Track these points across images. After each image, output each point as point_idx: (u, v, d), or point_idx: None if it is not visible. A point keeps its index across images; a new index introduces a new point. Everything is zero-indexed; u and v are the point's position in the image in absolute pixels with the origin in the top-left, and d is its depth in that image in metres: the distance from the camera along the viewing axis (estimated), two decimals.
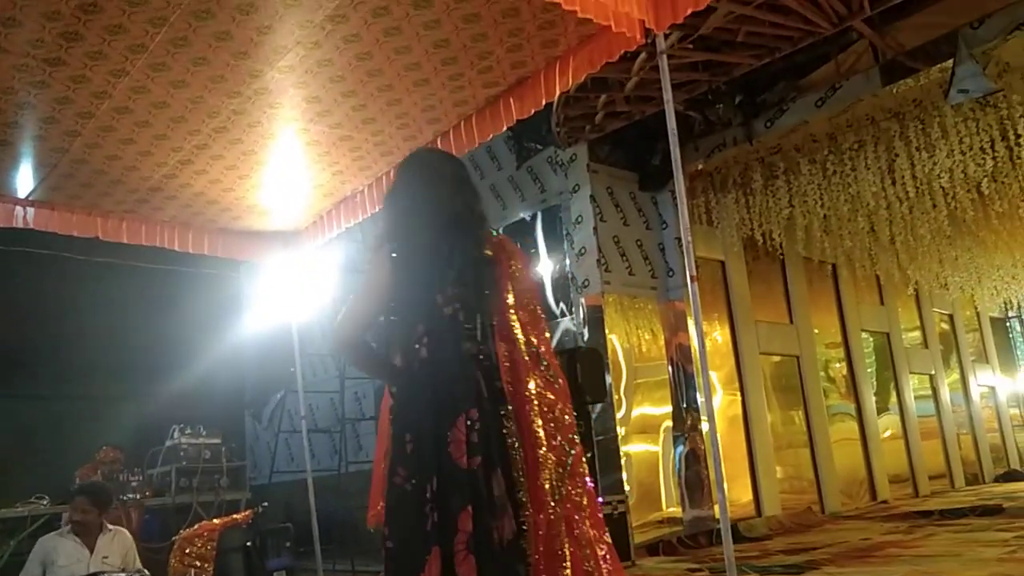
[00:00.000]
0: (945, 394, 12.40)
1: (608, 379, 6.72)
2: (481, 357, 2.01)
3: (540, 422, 1.95)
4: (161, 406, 11.42)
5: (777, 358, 9.24)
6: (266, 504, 4.97)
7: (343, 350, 2.16)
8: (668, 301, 7.56)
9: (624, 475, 6.69)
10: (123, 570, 4.01)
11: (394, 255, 2.12)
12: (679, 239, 4.93)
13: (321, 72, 4.71)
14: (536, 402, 1.96)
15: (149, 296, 12.58)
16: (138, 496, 5.68)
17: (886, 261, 9.60)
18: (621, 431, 6.94)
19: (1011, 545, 5.32)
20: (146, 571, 4.03)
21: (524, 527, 1.90)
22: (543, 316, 2.14)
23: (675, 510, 7.28)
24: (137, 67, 4.37)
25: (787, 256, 9.09)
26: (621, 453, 6.77)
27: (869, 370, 10.90)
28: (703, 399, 4.98)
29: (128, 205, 6.16)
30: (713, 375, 8.16)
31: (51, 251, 8.26)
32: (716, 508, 5.16)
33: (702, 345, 4.83)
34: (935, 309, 12.86)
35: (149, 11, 3.91)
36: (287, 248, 7.24)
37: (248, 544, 4.10)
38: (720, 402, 8.08)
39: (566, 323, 7.40)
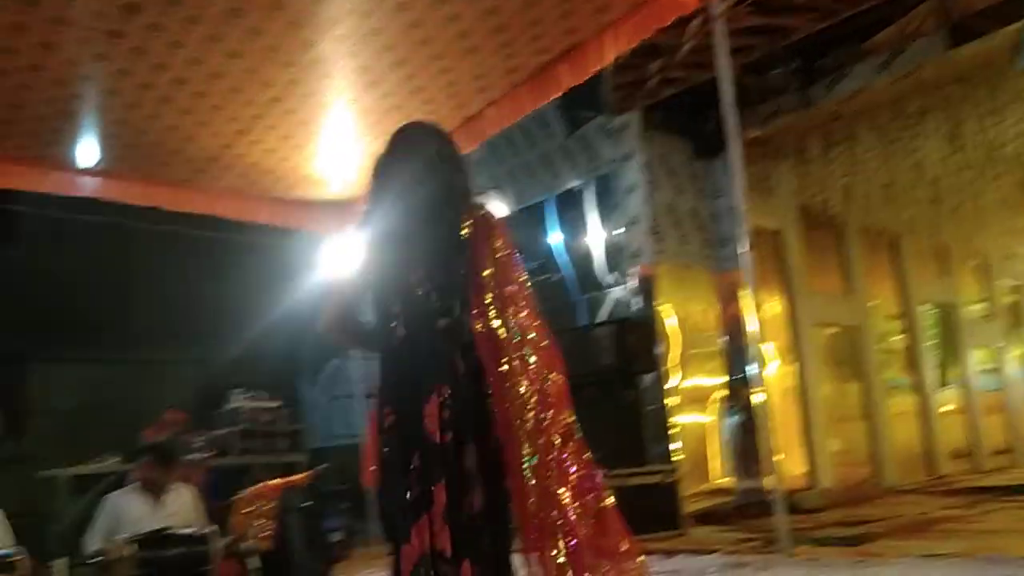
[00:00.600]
0: (1010, 368, 12.01)
1: (659, 350, 6.68)
2: (457, 334, 2.06)
3: (517, 394, 1.97)
4: (221, 370, 11.77)
5: (834, 329, 9.05)
6: (327, 465, 5.11)
7: (327, 330, 2.25)
8: (723, 271, 7.45)
9: (674, 445, 6.66)
10: (189, 526, 4.17)
11: (369, 237, 2.21)
12: (734, 208, 4.84)
13: (372, 41, 4.73)
14: (511, 379, 1.98)
15: (208, 264, 12.90)
16: (202, 456, 5.89)
17: (950, 231, 9.29)
18: (671, 402, 6.90)
19: None
20: (214, 526, 4.18)
21: (501, 499, 1.98)
22: (527, 291, 2.12)
23: (726, 481, 7.24)
24: (194, 38, 4.45)
25: (846, 226, 8.86)
26: (671, 423, 6.74)
27: (930, 343, 10.61)
28: (756, 370, 4.91)
29: (186, 175, 6.31)
30: (768, 346, 8.04)
31: (114, 219, 8.49)
32: (769, 480, 5.13)
33: (754, 317, 4.78)
34: (1002, 281, 12.41)
35: None
36: (341, 217, 7.33)
37: (306, 505, 4.22)
38: (775, 373, 7.97)
39: (617, 293, 7.35)
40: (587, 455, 2.03)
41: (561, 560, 1.90)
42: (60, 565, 3.71)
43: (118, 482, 5.40)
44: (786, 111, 7.12)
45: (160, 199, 6.34)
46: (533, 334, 2.05)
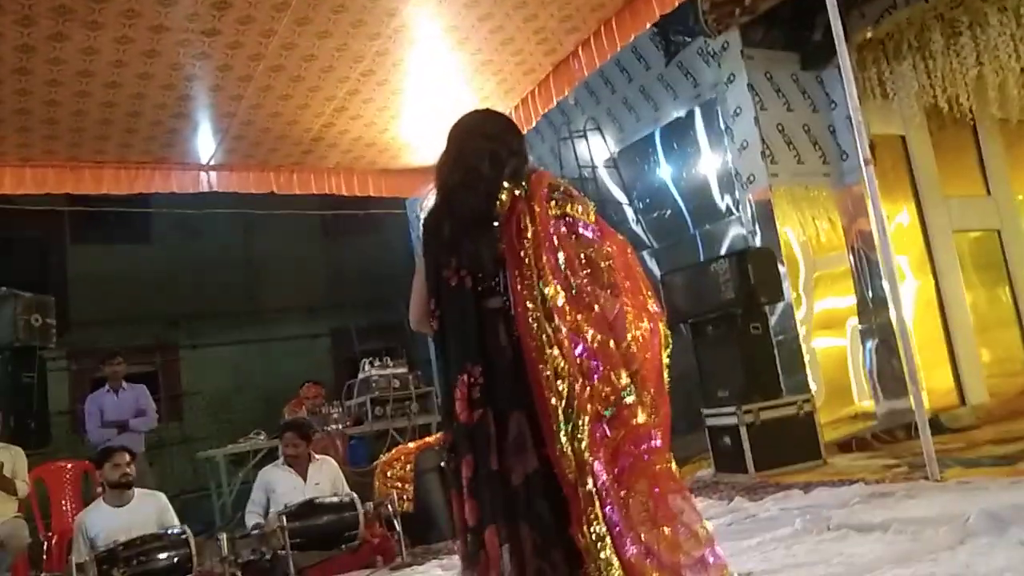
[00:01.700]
0: None
1: (783, 277, 6.43)
2: (499, 312, 2.09)
3: (552, 367, 1.96)
4: (352, 339, 12.29)
5: (975, 234, 8.43)
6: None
7: (415, 323, 2.33)
8: (844, 186, 7.04)
9: (809, 373, 6.44)
10: (335, 494, 4.40)
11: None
12: (851, 119, 4.53)
13: (455, 0, 4.69)
14: (539, 351, 1.97)
15: (328, 241, 13.43)
16: (340, 427, 6.17)
17: None
18: (802, 329, 6.65)
19: None
20: (354, 494, 4.39)
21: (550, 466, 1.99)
22: (578, 257, 2.06)
23: (868, 404, 6.95)
24: (284, 25, 4.55)
25: (979, 121, 8.13)
26: (804, 351, 6.51)
27: None
28: (889, 287, 4.64)
29: (295, 157, 6.53)
30: (902, 260, 7.59)
31: (237, 208, 8.92)
32: (914, 399, 4.88)
33: (883, 230, 4.51)
34: None
35: None
36: None
37: (442, 464, 4.35)
38: (911, 288, 7.53)
39: (735, 223, 7.10)
40: (642, 420, 1.98)
41: (598, 533, 1.91)
42: (223, 539, 3.99)
43: (269, 457, 5.75)
44: (901, 5, 6.57)
45: (274, 184, 6.60)
46: (573, 305, 2.00)
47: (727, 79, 6.85)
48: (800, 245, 6.90)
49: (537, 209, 2.07)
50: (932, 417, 6.58)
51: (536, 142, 9.47)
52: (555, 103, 6.10)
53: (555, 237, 2.03)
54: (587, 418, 1.95)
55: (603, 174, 8.64)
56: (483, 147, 2.22)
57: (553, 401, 1.95)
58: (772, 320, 6.32)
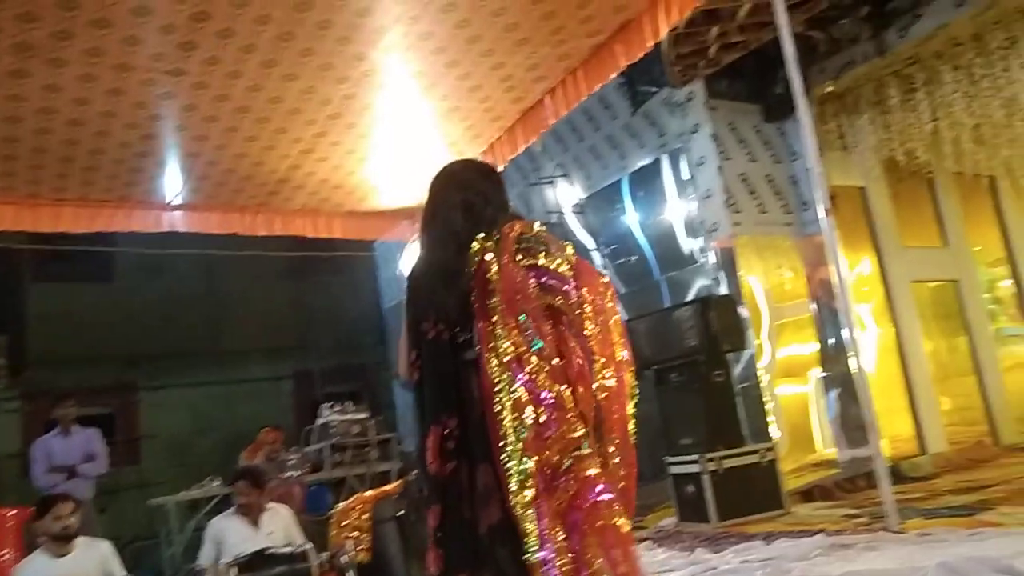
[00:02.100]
0: None
1: (746, 325, 6.48)
2: (468, 365, 2.12)
3: (508, 419, 2.00)
4: (316, 382, 12.12)
5: (933, 284, 8.61)
6: (416, 472, 5.14)
7: (404, 377, 2.34)
8: (806, 236, 7.17)
9: (772, 421, 6.47)
10: (288, 544, 4.28)
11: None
12: (809, 171, 4.63)
13: (423, 46, 4.73)
14: (504, 402, 2.01)
15: (290, 281, 13.32)
16: (298, 473, 6.05)
17: None
18: (766, 377, 6.70)
19: None
20: (309, 543, 4.27)
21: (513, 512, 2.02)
22: (539, 309, 2.08)
23: (831, 452, 6.99)
24: (250, 66, 4.54)
25: (936, 174, 8.38)
26: (767, 399, 6.55)
27: None
28: (850, 335, 4.70)
29: (261, 199, 6.47)
30: (863, 309, 7.71)
31: (200, 249, 8.83)
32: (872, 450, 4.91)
33: (842, 280, 4.57)
34: None
35: (254, 10, 4.04)
36: (414, 223, 7.40)
37: (400, 513, 4.26)
38: (872, 336, 7.65)
39: (700, 270, 7.18)
40: (594, 472, 1.99)
41: None
42: None
43: (225, 503, 5.60)
44: (859, 61, 6.77)
45: (237, 225, 6.52)
46: (533, 358, 2.02)
47: (692, 129, 6.99)
48: (764, 293, 6.99)
49: (504, 261, 2.09)
50: (893, 466, 6.63)
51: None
52: (522, 150, 6.15)
53: (517, 291, 2.03)
54: (534, 470, 1.95)
55: (571, 220, 8.71)
56: (456, 199, 2.27)
57: (508, 452, 1.96)
58: (735, 368, 6.36)
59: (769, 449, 5.68)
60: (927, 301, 8.48)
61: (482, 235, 2.16)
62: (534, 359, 2.00)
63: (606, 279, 2.24)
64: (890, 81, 7.04)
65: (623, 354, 2.15)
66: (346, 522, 4.60)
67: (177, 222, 6.36)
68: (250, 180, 6.13)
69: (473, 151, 6.37)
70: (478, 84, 5.37)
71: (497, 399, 2.00)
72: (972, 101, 6.76)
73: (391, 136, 5.87)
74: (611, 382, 2.09)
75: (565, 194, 8.72)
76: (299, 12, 4.12)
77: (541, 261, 2.10)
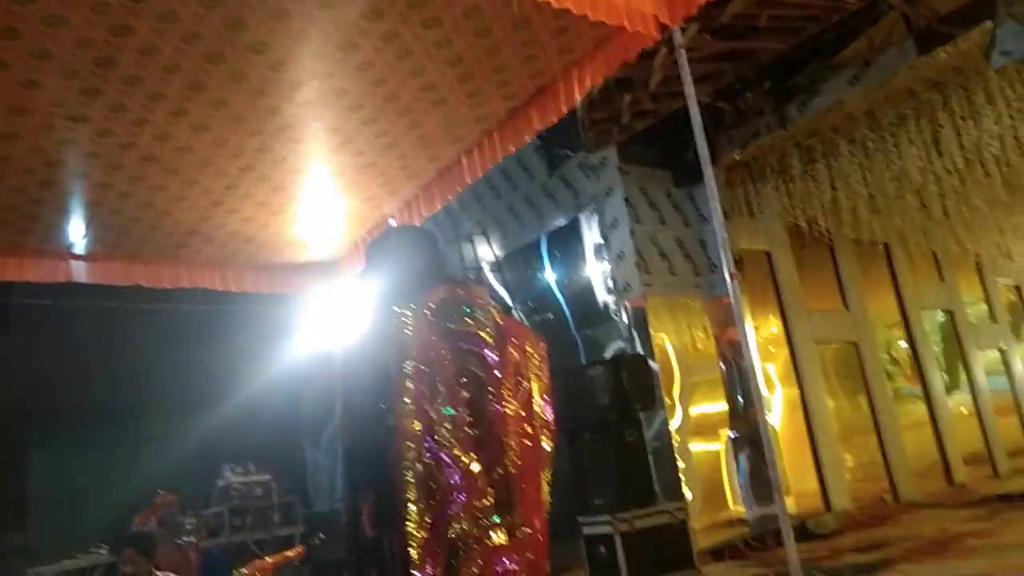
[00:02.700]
0: (1019, 367, 11.87)
1: (657, 384, 6.57)
2: (390, 433, 2.15)
3: (411, 489, 2.07)
4: (219, 442, 11.62)
5: (835, 345, 8.95)
6: (322, 536, 4.96)
7: (345, 445, 2.47)
8: (714, 297, 7.38)
9: (683, 480, 6.52)
10: None
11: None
12: (716, 235, 4.78)
13: (338, 103, 4.71)
14: (415, 470, 2.07)
15: (198, 336, 12.82)
16: (194, 539, 5.74)
17: (942, 236, 9.23)
18: (677, 435, 6.78)
19: None
20: None
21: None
22: (449, 380, 2.14)
23: (742, 509, 7.08)
24: (158, 115, 4.43)
25: (836, 240, 8.81)
26: (678, 457, 6.61)
27: (935, 349, 10.49)
28: (755, 395, 4.79)
29: (167, 250, 6.25)
30: (770, 368, 7.94)
31: (95, 301, 8.46)
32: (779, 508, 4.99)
33: (746, 341, 4.68)
34: (1000, 280, 12.33)
35: (163, 59, 3.95)
36: (328, 277, 7.28)
37: None
38: (779, 395, 7.86)
39: (613, 329, 7.27)
40: (501, 541, 2.06)
41: None
42: None
43: (110, 573, 5.27)
44: (764, 132, 7.10)
45: (141, 277, 6.27)
46: (444, 427, 2.07)
47: (605, 192, 7.15)
48: (675, 352, 7.12)
49: (420, 327, 2.14)
50: (799, 524, 6.76)
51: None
52: (439, 207, 6.15)
53: (429, 359, 2.05)
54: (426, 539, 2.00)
55: (489, 276, 8.74)
56: (388, 270, 2.36)
57: (411, 521, 2.00)
58: (647, 426, 6.40)
59: (680, 508, 5.71)
60: (830, 361, 8.79)
61: (402, 303, 2.20)
62: (445, 427, 2.01)
63: (538, 340, 2.25)
64: (792, 152, 7.40)
65: (548, 417, 2.17)
66: None
67: (77, 273, 6.07)
68: (156, 231, 5.92)
69: (391, 207, 6.35)
70: (395, 142, 5.37)
71: (406, 467, 2.02)
72: (867, 173, 7.17)
73: (306, 190, 5.79)
74: (522, 452, 2.08)
75: (484, 251, 8.76)
76: (211, 64, 4.06)
77: (459, 326, 2.12)
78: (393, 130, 5.19)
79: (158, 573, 4.26)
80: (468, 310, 2.19)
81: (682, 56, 4.68)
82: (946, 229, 9.01)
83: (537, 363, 2.23)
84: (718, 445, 7.29)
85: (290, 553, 4.74)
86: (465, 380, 2.10)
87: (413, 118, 5.09)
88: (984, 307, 11.96)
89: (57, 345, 11.37)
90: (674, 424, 6.80)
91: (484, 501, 2.03)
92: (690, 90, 4.61)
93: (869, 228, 8.21)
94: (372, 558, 2.15)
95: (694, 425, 7.06)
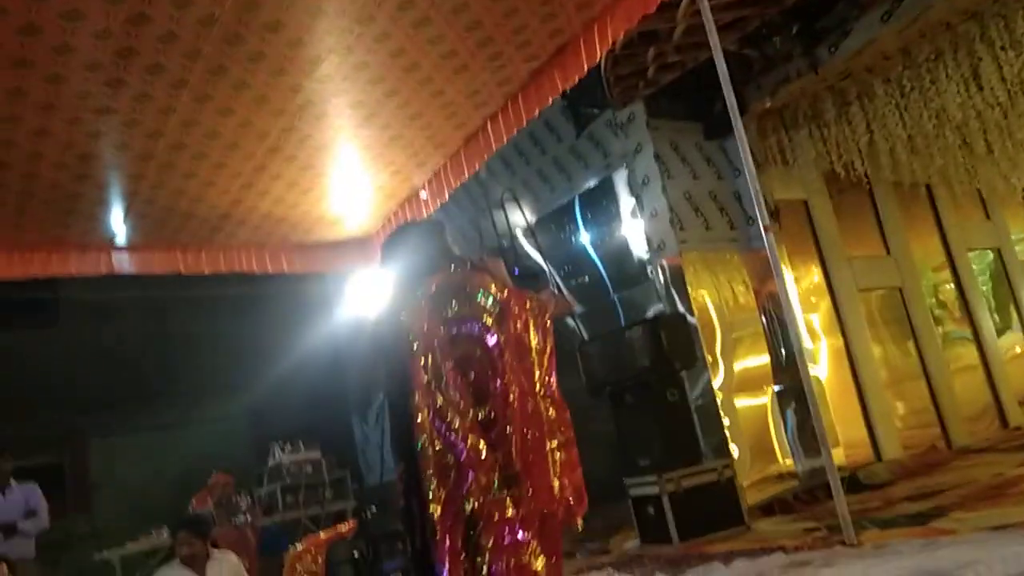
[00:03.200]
0: None
1: (700, 341, 6.50)
2: (409, 417, 2.36)
3: (430, 469, 2.27)
4: (269, 420, 11.85)
5: (879, 291, 8.76)
6: (374, 509, 5.02)
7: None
8: (752, 250, 7.24)
9: (729, 436, 6.47)
10: None
11: None
12: (750, 186, 4.67)
13: (359, 76, 4.69)
14: (428, 453, 2.26)
15: (244, 318, 13.03)
16: (249, 518, 5.87)
17: (986, 173, 8.91)
18: (721, 392, 6.71)
19: None
20: None
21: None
22: (453, 369, 2.31)
23: (791, 464, 7.01)
24: (183, 102, 4.46)
25: (875, 184, 8.57)
26: (723, 414, 6.55)
27: (984, 288, 10.22)
28: (799, 346, 4.72)
29: (203, 235, 6.35)
30: (813, 318, 7.81)
31: (140, 290, 8.63)
32: (833, 456, 4.94)
33: (785, 293, 4.60)
34: None
35: (182, 46, 3.97)
36: (363, 253, 7.32)
37: (356, 554, 4.15)
38: (823, 346, 7.73)
39: (651, 288, 7.19)
40: (510, 513, 2.21)
41: None
42: None
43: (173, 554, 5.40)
44: (794, 77, 6.89)
45: (181, 264, 6.39)
46: (450, 411, 2.25)
47: (635, 149, 7.04)
48: (715, 308, 7.03)
49: (421, 319, 2.31)
50: (850, 475, 6.69)
51: (456, 214, 9.51)
52: (467, 176, 6.13)
53: (430, 348, 2.18)
54: (439, 515, 2.22)
55: (523, 243, 8.70)
56: (395, 264, 2.54)
57: (431, 497, 2.23)
58: (690, 385, 6.36)
59: (727, 466, 5.68)
60: (875, 308, 8.62)
61: (406, 295, 2.42)
62: (450, 410, 2.19)
63: (540, 302, 2.30)
64: (825, 96, 7.19)
65: (550, 383, 2.26)
66: (299, 566, 4.47)
67: (118, 264, 6.21)
68: (191, 218, 6.02)
69: (420, 179, 6.34)
70: (419, 112, 5.35)
71: (423, 447, 2.22)
72: (904, 113, 6.93)
73: (334, 166, 5.82)
74: (534, 424, 2.20)
75: (516, 218, 8.71)
76: (230, 46, 4.06)
77: (457, 311, 2.22)
78: (416, 100, 5.17)
79: (216, 551, 4.37)
80: (465, 294, 2.33)
81: (704, 4, 4.57)
82: (990, 165, 8.70)
83: (542, 332, 2.33)
84: (764, 399, 7.20)
85: (342, 528, 4.83)
86: (467, 363, 2.26)
87: (435, 87, 5.06)
88: None
89: (106, 335, 11.66)
90: (718, 381, 6.73)
91: (493, 476, 2.18)
92: (714, 39, 4.51)
93: (909, 170, 7.96)
94: (407, 525, 2.32)
95: (738, 381, 6.98)
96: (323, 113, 5.04)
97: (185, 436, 11.96)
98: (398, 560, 4.70)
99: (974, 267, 10.18)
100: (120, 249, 6.16)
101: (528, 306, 2.32)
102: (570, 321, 8.02)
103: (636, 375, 5.77)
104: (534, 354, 2.31)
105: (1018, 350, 10.25)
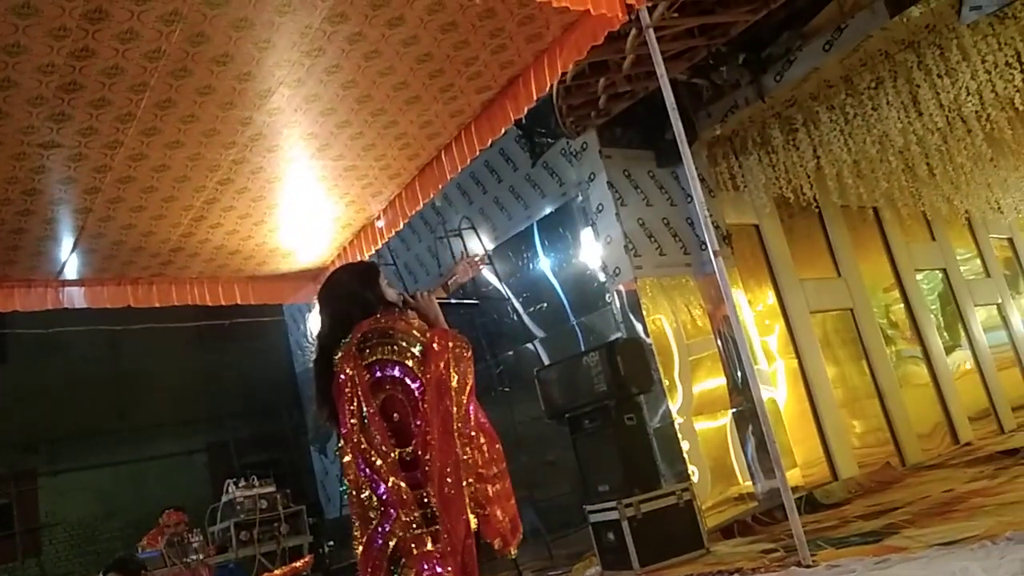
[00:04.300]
0: (1016, 320, 11.87)
1: (657, 365, 6.56)
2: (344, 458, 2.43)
3: (355, 509, 2.35)
4: (230, 454, 11.65)
5: (832, 313, 8.94)
6: (331, 544, 4.96)
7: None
8: (707, 275, 7.35)
9: (687, 460, 6.51)
10: None
11: None
12: (698, 212, 4.76)
13: (311, 108, 4.69)
14: (352, 494, 2.35)
15: (200, 351, 12.84)
16: (201, 556, 5.73)
17: (930, 196, 9.19)
18: (680, 414, 6.77)
19: None
20: None
21: None
22: (395, 389, 2.41)
23: (750, 485, 7.08)
24: (130, 136, 4.41)
25: (824, 208, 8.78)
26: (681, 437, 6.60)
27: (932, 307, 10.49)
28: (752, 369, 4.78)
29: (154, 269, 6.24)
30: (769, 340, 7.93)
31: (90, 324, 8.45)
32: (789, 477, 5.01)
33: (735, 316, 4.67)
34: (992, 235, 12.32)
35: (128, 79, 3.93)
36: (319, 284, 7.24)
37: None
38: (779, 367, 7.85)
39: (609, 314, 7.25)
40: (430, 548, 2.27)
41: None
42: None
43: None
44: (742, 105, 7.06)
45: (131, 297, 6.26)
46: (372, 454, 2.32)
47: (588, 177, 7.13)
48: (672, 332, 7.10)
49: (346, 364, 2.38)
50: (807, 494, 6.77)
51: (413, 242, 9.53)
52: (422, 205, 6.13)
53: (351, 393, 2.33)
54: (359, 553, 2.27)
55: (481, 270, 8.72)
56: (328, 310, 2.62)
57: (356, 533, 2.30)
58: (648, 409, 6.40)
59: (685, 489, 5.70)
60: (828, 329, 8.79)
61: (341, 342, 2.45)
62: (373, 454, 2.27)
63: (461, 340, 2.41)
64: (772, 123, 7.37)
65: (475, 422, 2.34)
66: None
67: (67, 299, 6.07)
68: (141, 251, 5.91)
69: (374, 208, 6.33)
70: (372, 143, 5.35)
71: (349, 490, 2.31)
72: (848, 138, 7.14)
73: (287, 198, 5.78)
74: (454, 462, 2.22)
75: (474, 245, 8.74)
76: (177, 80, 4.04)
77: (379, 357, 2.40)
78: (369, 131, 5.17)
79: None
80: (389, 339, 2.41)
81: (651, 35, 4.67)
82: (933, 188, 8.98)
83: (462, 370, 2.46)
84: (723, 421, 7.28)
85: (297, 564, 4.74)
86: (389, 405, 2.35)
87: (388, 118, 5.07)
88: (978, 263, 11.95)
89: (56, 371, 11.39)
90: (676, 405, 6.79)
91: (414, 514, 2.26)
92: (661, 69, 4.60)
93: (856, 193, 8.18)
94: None
95: (697, 404, 7.05)
96: (275, 145, 5.02)
97: (138, 473, 11.70)
98: None
99: (923, 287, 10.45)
100: (70, 283, 6.03)
101: (451, 345, 2.38)
102: (531, 346, 8.06)
103: (594, 400, 5.79)
104: (453, 393, 2.39)
105: (967, 367, 10.51)
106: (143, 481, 11.59)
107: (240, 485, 6.34)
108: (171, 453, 12.26)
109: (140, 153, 4.63)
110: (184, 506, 6.56)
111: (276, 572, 4.72)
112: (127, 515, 10.93)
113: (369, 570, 2.23)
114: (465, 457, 2.35)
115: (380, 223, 6.43)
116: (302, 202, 5.94)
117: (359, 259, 6.60)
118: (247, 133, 4.73)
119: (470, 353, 2.47)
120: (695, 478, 6.44)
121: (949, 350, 10.33)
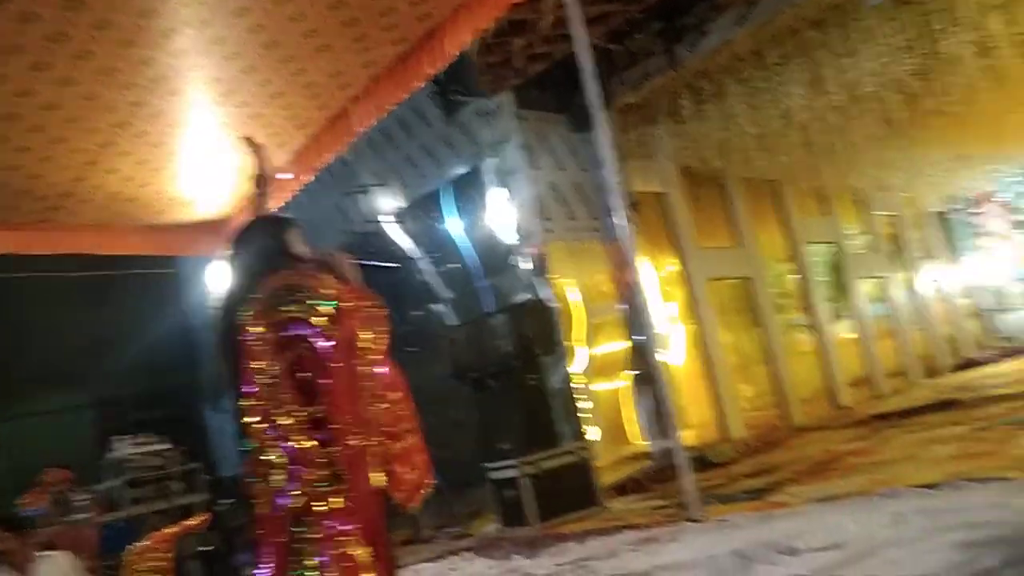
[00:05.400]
0: (897, 293, 12.63)
1: (558, 329, 6.66)
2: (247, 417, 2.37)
3: (257, 471, 2.30)
4: (121, 411, 11.20)
5: (729, 281, 9.28)
6: (229, 501, 4.85)
7: None
8: (615, 240, 7.47)
9: (587, 420, 6.68)
10: None
11: None
12: (606, 179, 4.83)
13: (215, 51, 4.48)
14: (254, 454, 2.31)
15: (85, 303, 12.20)
16: (88, 515, 5.52)
17: (826, 172, 9.61)
18: (583, 376, 6.91)
19: (965, 440, 5.45)
20: None
21: None
22: (303, 348, 2.35)
23: (643, 444, 7.33)
24: (17, 69, 4.11)
25: (727, 179, 9.06)
26: (583, 397, 6.75)
27: (821, 279, 11.02)
28: (652, 333, 4.94)
29: (40, 215, 5.89)
30: (672, 306, 8.17)
31: None
32: (682, 437, 5.21)
33: (638, 281, 4.80)
34: (879, 212, 13.01)
35: (15, 8, 3.65)
36: (219, 236, 7.00)
37: (206, 549, 3.99)
38: (679, 332, 8.11)
39: (518, 276, 7.29)
40: (339, 504, 2.25)
41: None
42: None
43: None
44: (655, 73, 7.15)
45: (12, 244, 5.90)
46: (282, 414, 2.28)
47: (503, 139, 7.10)
48: (579, 296, 7.22)
49: (251, 323, 2.31)
50: (699, 454, 7.07)
51: (321, 196, 9.28)
52: (331, 158, 5.99)
53: (256, 352, 2.26)
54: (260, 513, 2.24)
55: (391, 228, 8.60)
56: (237, 263, 2.56)
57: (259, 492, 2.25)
58: (551, 370, 6.51)
59: (584, 448, 5.86)
60: (726, 297, 9.12)
61: (248, 296, 2.39)
62: (281, 411, 2.22)
63: (375, 300, 2.38)
64: (684, 92, 7.50)
65: (387, 381, 2.34)
66: (142, 565, 4.25)
67: None
68: (26, 195, 5.56)
69: (280, 159, 6.13)
70: (280, 91, 5.17)
71: (252, 449, 2.25)
72: (755, 112, 7.34)
73: (189, 145, 5.53)
74: (362, 421, 2.32)
75: (384, 202, 8.60)
76: (70, 11, 3.78)
77: (287, 314, 2.33)
78: (277, 79, 4.99)
79: (48, 553, 4.08)
80: (299, 296, 2.34)
81: None
82: (829, 165, 9.39)
83: (374, 330, 2.45)
84: (621, 383, 7.49)
85: (191, 522, 4.63)
86: (297, 364, 2.28)
87: (297, 65, 4.90)
88: (866, 238, 12.62)
89: None
90: (579, 366, 6.93)
91: (319, 472, 2.23)
92: (578, 32, 4.61)
93: (758, 166, 8.46)
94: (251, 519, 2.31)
95: (599, 366, 7.21)
96: (177, 88, 4.77)
97: (18, 431, 11.10)
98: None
99: (814, 259, 10.96)
100: None
101: (364, 304, 2.35)
102: (440, 306, 8.03)
103: (499, 361, 5.85)
104: (362, 352, 2.38)
105: (847, 337, 11.13)
106: (24, 439, 11.02)
107: (131, 442, 6.11)
108: (52, 410, 11.68)
109: (27, 89, 4.33)
110: (70, 464, 6.29)
111: (167, 530, 4.59)
112: (3, 474, 10.39)
113: (269, 529, 2.19)
114: (373, 415, 2.33)
115: (287, 175, 6.25)
116: (204, 150, 5.70)
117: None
118: (147, 74, 4.48)
119: (385, 313, 2.44)
120: (593, 437, 6.62)
121: (835, 320, 10.91)
